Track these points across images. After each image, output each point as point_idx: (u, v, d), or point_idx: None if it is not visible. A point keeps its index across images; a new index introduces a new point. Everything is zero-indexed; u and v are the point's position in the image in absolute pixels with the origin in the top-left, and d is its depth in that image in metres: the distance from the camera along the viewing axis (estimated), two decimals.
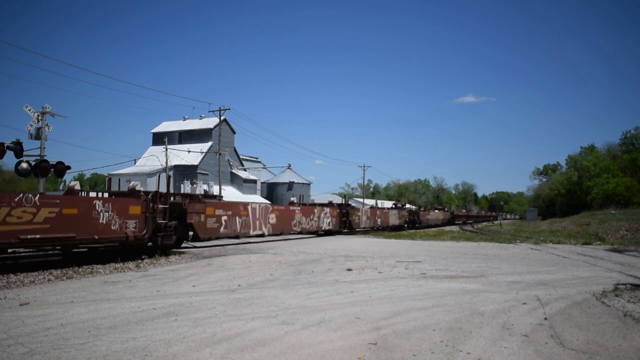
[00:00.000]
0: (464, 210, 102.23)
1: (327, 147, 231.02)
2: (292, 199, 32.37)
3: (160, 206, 15.41)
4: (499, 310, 6.91)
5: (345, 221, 31.52)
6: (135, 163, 49.81)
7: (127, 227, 13.94)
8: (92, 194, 15.59)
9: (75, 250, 13.65)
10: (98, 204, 13.01)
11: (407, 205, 54.67)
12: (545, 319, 6.41)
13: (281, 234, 24.27)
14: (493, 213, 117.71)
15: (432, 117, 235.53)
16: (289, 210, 24.98)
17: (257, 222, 21.49)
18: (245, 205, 21.06)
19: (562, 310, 6.96)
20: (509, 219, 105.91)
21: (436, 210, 63.78)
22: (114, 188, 45.44)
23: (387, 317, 6.47)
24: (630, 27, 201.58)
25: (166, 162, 41.08)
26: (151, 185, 45.06)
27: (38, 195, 11.45)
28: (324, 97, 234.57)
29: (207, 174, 48.99)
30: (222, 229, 18.85)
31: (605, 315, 6.67)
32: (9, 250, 12.77)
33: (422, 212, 51.94)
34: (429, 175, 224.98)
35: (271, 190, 54.22)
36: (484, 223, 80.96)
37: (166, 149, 41.31)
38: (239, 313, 6.75)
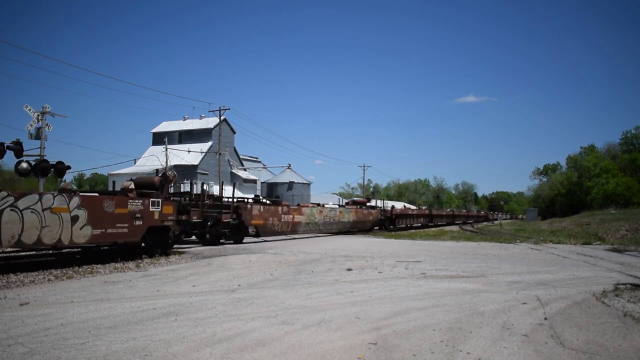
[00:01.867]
0: (423, 208, 66.11)
1: (327, 147, 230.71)
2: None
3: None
4: (499, 310, 6.91)
5: None
6: (135, 163, 49.80)
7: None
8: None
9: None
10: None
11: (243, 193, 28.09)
12: (545, 319, 6.41)
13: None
14: (482, 212, 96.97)
15: (432, 117, 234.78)
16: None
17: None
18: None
19: (562, 310, 6.96)
20: (504, 220, 75.52)
21: (332, 206, 32.25)
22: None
23: (387, 317, 6.47)
24: (630, 27, 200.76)
25: (166, 162, 41.06)
26: None
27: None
28: (324, 97, 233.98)
29: (207, 174, 48.97)
30: None
31: (605, 315, 6.67)
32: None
33: (283, 207, 24.98)
34: (429, 175, 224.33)
35: (271, 190, 54.12)
36: (484, 223, 71.59)
37: (166, 149, 41.31)
38: (239, 313, 6.75)
